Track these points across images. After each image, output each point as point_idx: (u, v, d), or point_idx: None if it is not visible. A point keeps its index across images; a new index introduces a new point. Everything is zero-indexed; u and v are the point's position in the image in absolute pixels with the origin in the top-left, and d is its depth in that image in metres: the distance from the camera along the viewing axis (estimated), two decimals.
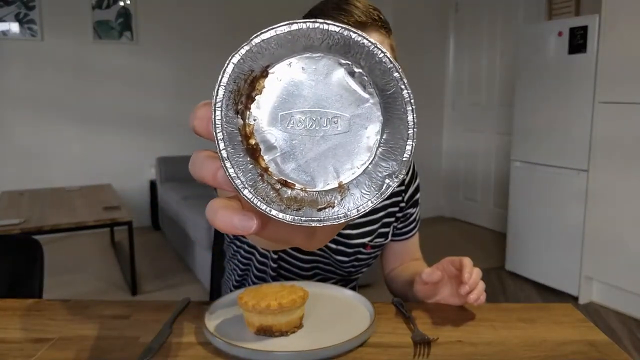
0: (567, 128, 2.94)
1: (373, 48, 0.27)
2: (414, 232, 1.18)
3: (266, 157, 0.28)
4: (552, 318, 0.90)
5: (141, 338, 0.80)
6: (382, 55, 0.27)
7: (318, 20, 0.27)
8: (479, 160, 4.63)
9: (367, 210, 0.28)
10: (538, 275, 3.19)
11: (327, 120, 0.28)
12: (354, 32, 0.27)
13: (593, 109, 2.79)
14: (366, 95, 0.28)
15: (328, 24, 0.27)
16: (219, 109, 0.27)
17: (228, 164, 0.27)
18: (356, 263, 1.08)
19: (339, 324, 0.82)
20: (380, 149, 0.29)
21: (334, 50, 0.28)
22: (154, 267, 3.51)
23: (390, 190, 0.29)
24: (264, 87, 0.28)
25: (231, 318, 0.84)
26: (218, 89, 0.27)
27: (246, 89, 0.28)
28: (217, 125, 0.27)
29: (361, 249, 1.07)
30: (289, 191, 0.28)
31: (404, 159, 0.28)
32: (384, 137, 0.29)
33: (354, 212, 0.28)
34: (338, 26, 0.27)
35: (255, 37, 0.27)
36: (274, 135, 0.28)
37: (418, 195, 1.17)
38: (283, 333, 0.78)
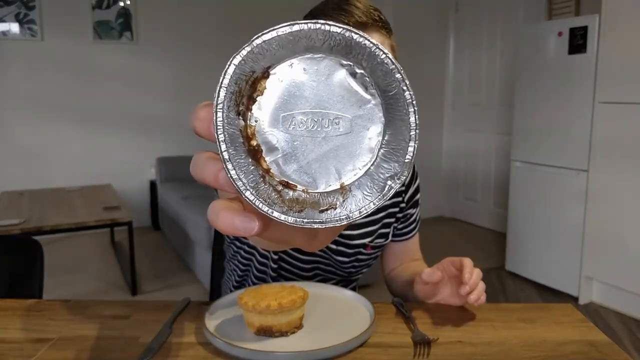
0: (567, 128, 2.94)
1: (375, 49, 0.27)
2: (414, 232, 1.18)
3: (268, 159, 0.28)
4: (552, 318, 0.90)
5: (141, 338, 0.80)
6: (384, 56, 0.27)
7: (319, 21, 0.26)
8: (479, 160, 4.63)
9: (369, 212, 0.28)
10: (538, 276, 3.19)
11: (328, 122, 0.28)
12: (356, 33, 0.27)
13: (593, 109, 2.79)
14: (368, 97, 0.28)
15: (329, 24, 0.26)
16: (221, 110, 0.27)
17: (230, 166, 0.27)
18: (356, 263, 1.08)
19: (339, 324, 0.82)
20: (382, 150, 0.29)
21: (335, 51, 0.28)
22: (154, 267, 3.51)
23: (392, 192, 0.28)
24: (265, 88, 0.28)
25: (231, 318, 0.84)
26: (219, 91, 0.26)
27: (247, 90, 0.27)
28: (218, 127, 0.27)
29: (361, 250, 1.07)
30: (291, 193, 0.28)
31: (406, 161, 0.28)
32: (385, 138, 0.29)
33: (356, 214, 0.28)
34: (339, 27, 0.27)
35: (257, 38, 0.26)
36: (276, 136, 0.28)
37: (418, 196, 1.17)
38: (283, 333, 0.78)
